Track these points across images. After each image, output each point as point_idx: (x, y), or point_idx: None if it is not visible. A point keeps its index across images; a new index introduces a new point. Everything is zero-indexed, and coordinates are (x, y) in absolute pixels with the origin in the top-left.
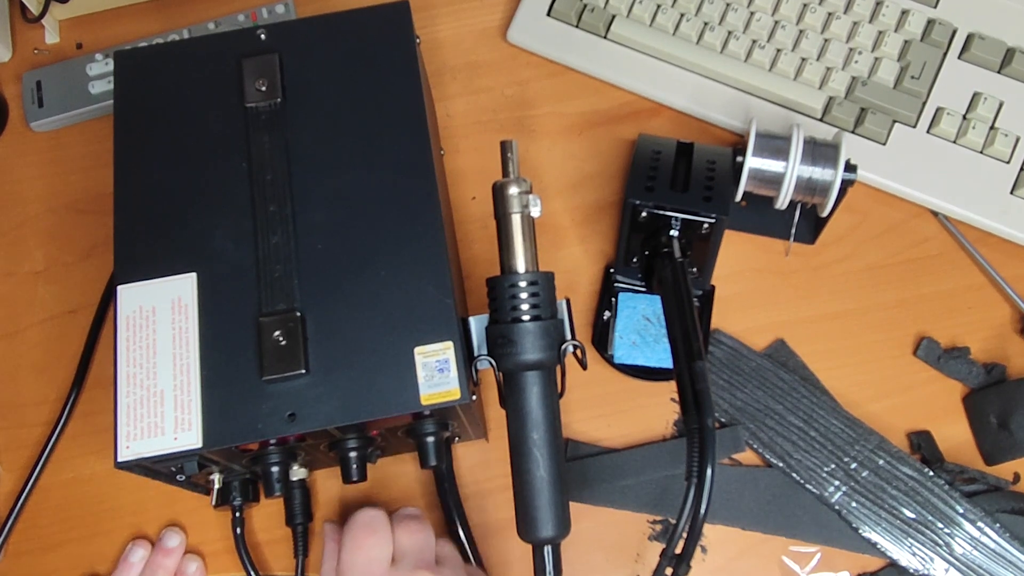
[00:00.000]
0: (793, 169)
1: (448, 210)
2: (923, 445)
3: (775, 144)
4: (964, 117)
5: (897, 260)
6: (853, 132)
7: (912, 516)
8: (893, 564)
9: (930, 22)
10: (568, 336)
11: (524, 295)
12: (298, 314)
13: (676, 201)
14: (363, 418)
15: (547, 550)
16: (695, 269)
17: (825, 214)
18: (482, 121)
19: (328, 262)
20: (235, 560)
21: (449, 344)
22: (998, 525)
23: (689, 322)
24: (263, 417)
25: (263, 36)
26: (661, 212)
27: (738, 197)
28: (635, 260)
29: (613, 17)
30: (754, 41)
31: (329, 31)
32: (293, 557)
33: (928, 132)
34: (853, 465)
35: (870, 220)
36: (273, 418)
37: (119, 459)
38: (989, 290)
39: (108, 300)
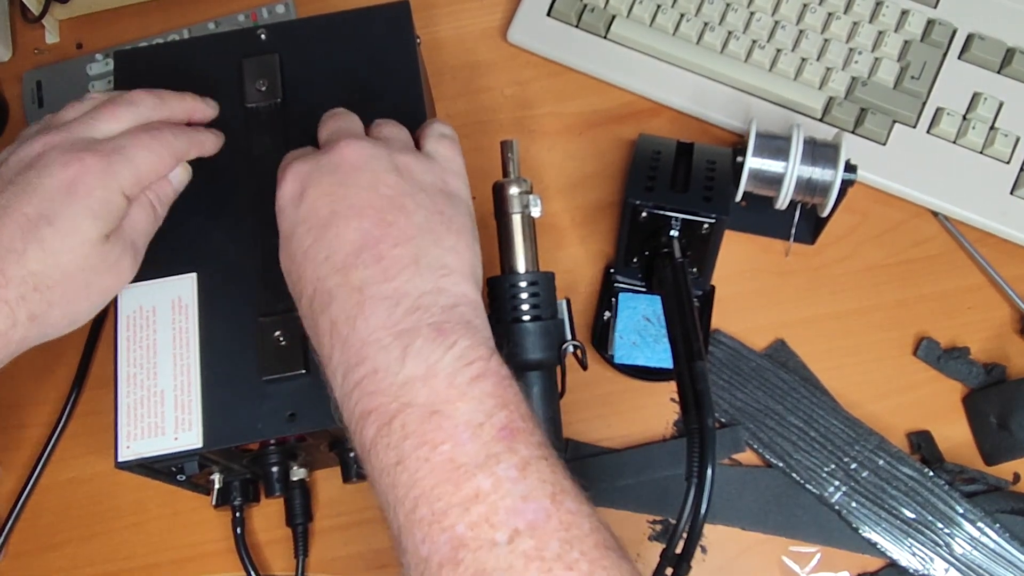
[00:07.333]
0: (793, 169)
1: None
2: (923, 445)
3: (775, 144)
4: (964, 117)
5: (897, 260)
6: (853, 132)
7: (912, 516)
8: (893, 564)
9: (930, 22)
10: (568, 336)
11: (524, 295)
12: (298, 314)
13: (676, 201)
14: None
15: None
16: (695, 269)
17: (825, 214)
18: (482, 121)
19: None
20: (235, 560)
21: None
22: (998, 525)
23: (689, 322)
24: (263, 417)
25: (263, 36)
26: (661, 212)
27: (738, 197)
28: (635, 260)
29: (613, 17)
30: (754, 41)
31: (329, 31)
32: (293, 557)
33: (928, 132)
34: (853, 465)
35: (870, 220)
36: (273, 418)
37: (119, 459)
38: (989, 290)
39: None
